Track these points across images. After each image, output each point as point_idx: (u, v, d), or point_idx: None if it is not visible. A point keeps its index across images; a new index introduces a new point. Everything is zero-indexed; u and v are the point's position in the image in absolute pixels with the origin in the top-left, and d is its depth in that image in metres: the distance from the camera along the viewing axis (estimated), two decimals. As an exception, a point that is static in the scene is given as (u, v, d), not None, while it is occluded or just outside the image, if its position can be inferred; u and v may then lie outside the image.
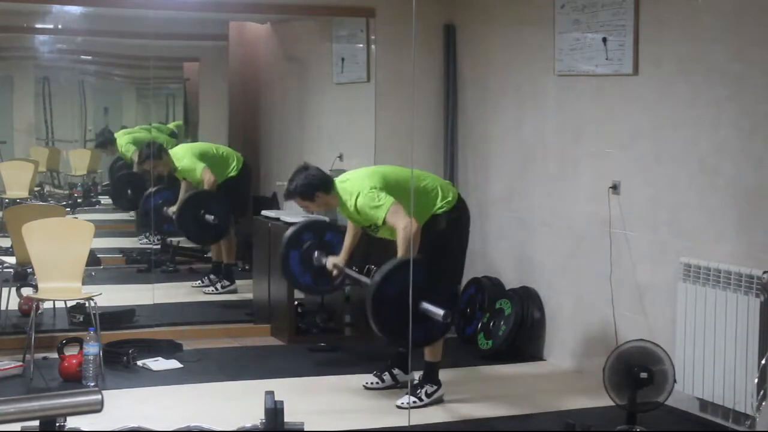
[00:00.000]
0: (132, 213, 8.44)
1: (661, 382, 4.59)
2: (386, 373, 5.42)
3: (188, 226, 7.40)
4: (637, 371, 4.55)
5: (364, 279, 5.19)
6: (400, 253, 4.86)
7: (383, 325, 4.69)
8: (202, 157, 7.55)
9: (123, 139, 8.17)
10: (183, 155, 7.54)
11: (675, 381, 4.65)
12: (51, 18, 7.90)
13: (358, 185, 5.06)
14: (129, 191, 8.01)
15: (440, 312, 4.59)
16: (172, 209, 7.58)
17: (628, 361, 4.60)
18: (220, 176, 7.62)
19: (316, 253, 5.63)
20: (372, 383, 5.43)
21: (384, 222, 4.95)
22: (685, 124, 5.10)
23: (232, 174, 7.65)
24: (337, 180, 5.19)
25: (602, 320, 5.64)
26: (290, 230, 5.73)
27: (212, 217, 7.32)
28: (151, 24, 7.32)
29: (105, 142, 8.29)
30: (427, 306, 4.63)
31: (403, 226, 4.86)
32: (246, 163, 7.77)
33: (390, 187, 5.04)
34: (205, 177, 7.47)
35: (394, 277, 4.64)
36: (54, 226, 5.94)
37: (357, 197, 5.02)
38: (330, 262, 5.47)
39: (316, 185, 5.15)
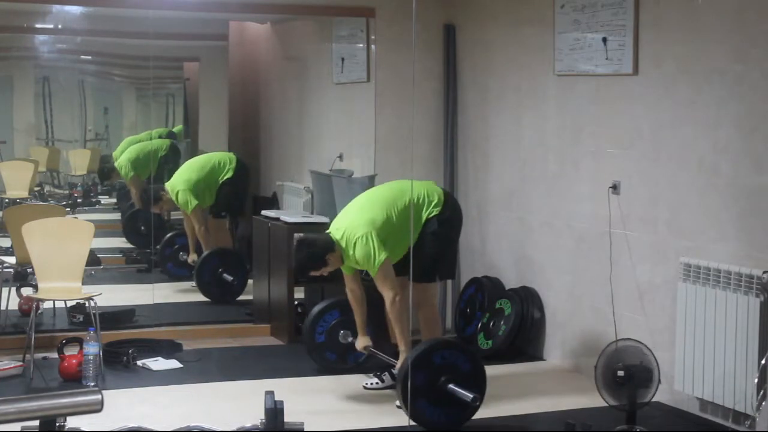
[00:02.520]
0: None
1: (644, 381, 4.60)
2: (386, 373, 5.42)
3: (206, 284, 7.45)
4: (615, 370, 4.58)
5: (393, 361, 5.25)
6: (397, 330, 5.13)
7: (420, 413, 4.70)
8: (196, 187, 7.59)
9: (122, 160, 8.18)
10: (177, 186, 7.59)
11: (660, 381, 4.65)
12: (51, 18, 7.90)
13: (352, 233, 5.11)
14: (142, 227, 8.03)
15: (469, 395, 4.65)
16: (192, 258, 7.70)
17: (612, 361, 4.63)
18: (215, 182, 7.65)
19: (341, 332, 5.70)
20: (372, 384, 5.43)
21: (375, 276, 5.12)
22: (685, 124, 5.09)
23: (228, 176, 7.67)
24: (332, 233, 5.20)
25: (602, 320, 5.64)
26: (318, 306, 5.81)
27: (231, 277, 7.40)
28: (151, 24, 7.31)
29: (109, 172, 8.32)
30: (455, 388, 4.69)
31: (390, 300, 5.08)
32: (241, 162, 7.78)
33: (380, 229, 5.12)
34: (194, 218, 7.57)
35: (422, 365, 4.68)
36: (54, 226, 5.94)
37: (355, 246, 5.09)
38: (360, 344, 5.49)
39: (322, 250, 5.15)
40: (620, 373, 4.59)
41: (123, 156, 8.18)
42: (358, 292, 5.39)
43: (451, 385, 4.69)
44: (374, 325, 5.64)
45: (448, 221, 5.31)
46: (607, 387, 4.65)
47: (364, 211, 5.21)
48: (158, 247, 7.86)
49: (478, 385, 4.77)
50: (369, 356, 5.59)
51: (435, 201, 5.28)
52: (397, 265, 5.18)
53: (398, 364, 5.09)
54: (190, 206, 7.52)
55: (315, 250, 5.15)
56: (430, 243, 5.24)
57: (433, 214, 5.25)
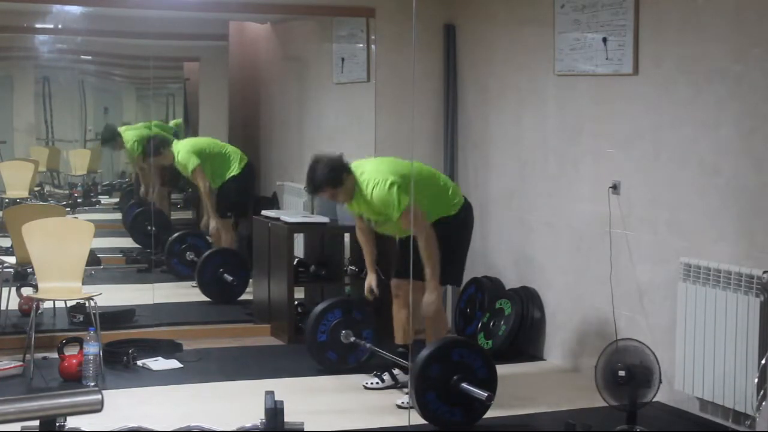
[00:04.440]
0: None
1: (645, 381, 4.60)
2: (386, 373, 5.42)
3: (208, 285, 7.45)
4: (616, 370, 4.57)
5: (398, 360, 5.26)
6: (428, 267, 5.04)
7: (426, 406, 4.69)
8: (200, 153, 7.59)
9: (128, 135, 8.18)
10: (181, 148, 7.60)
11: (661, 381, 4.65)
12: (51, 18, 7.89)
13: (374, 177, 5.06)
14: (149, 227, 8.05)
15: (483, 394, 4.63)
16: (204, 223, 7.76)
17: (612, 361, 4.63)
18: (221, 176, 7.65)
19: (343, 332, 5.71)
20: (372, 383, 5.43)
21: (397, 220, 5.02)
22: (685, 123, 5.09)
23: (235, 173, 7.67)
24: (352, 165, 5.17)
25: (602, 320, 5.64)
26: (320, 306, 5.80)
27: (231, 277, 7.41)
28: (151, 24, 7.32)
29: (110, 137, 8.26)
30: (469, 387, 4.67)
31: (425, 237, 5.02)
32: (250, 163, 7.79)
33: (405, 185, 5.06)
34: (198, 178, 7.55)
35: (434, 362, 4.67)
36: (54, 226, 5.94)
37: (373, 188, 5.03)
38: (368, 282, 5.47)
39: (340, 168, 5.10)
40: (621, 373, 4.58)
41: (129, 135, 8.17)
42: (366, 230, 5.35)
43: (464, 384, 4.67)
44: (378, 326, 5.65)
45: (462, 225, 5.29)
46: (608, 387, 4.64)
47: (391, 166, 5.15)
48: (166, 243, 7.86)
49: (491, 389, 4.76)
50: (371, 356, 5.59)
51: (456, 201, 5.28)
52: (400, 267, 5.19)
53: (426, 297, 5.05)
54: (191, 166, 7.49)
55: (336, 165, 5.06)
56: (441, 245, 5.17)
57: (452, 213, 5.23)
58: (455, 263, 5.36)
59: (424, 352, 4.73)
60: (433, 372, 4.65)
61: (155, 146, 7.67)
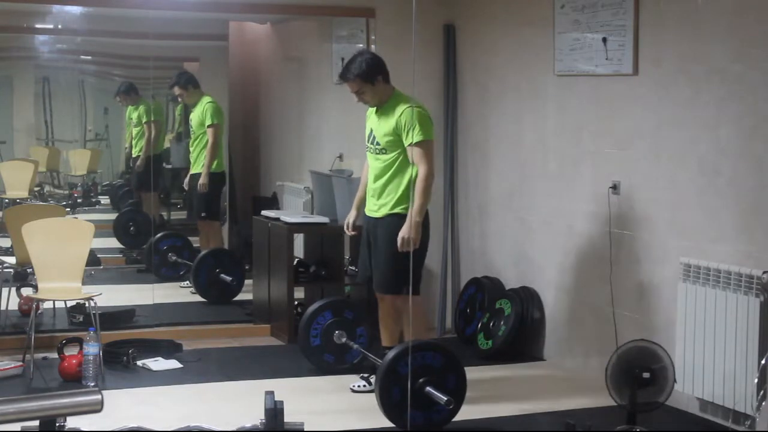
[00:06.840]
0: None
1: (661, 381, 4.59)
2: (372, 375, 5.40)
3: (205, 285, 7.43)
4: (638, 371, 4.55)
5: (377, 360, 5.21)
6: (416, 201, 4.98)
7: (388, 403, 4.65)
8: (221, 120, 7.63)
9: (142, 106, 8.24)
10: (209, 101, 7.62)
11: (675, 381, 4.64)
12: (51, 18, 7.90)
13: (417, 103, 5.11)
14: (132, 228, 8.02)
15: (444, 397, 4.59)
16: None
17: (630, 362, 4.60)
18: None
19: (336, 332, 5.70)
20: (359, 386, 5.41)
21: (411, 143, 5.01)
22: (685, 124, 5.09)
23: (214, 169, 7.61)
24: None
25: (602, 320, 5.64)
26: (310, 309, 5.79)
27: (230, 278, 7.39)
28: (151, 24, 7.31)
29: (129, 89, 8.22)
30: (431, 390, 4.63)
31: (425, 172, 5.00)
32: (223, 172, 7.76)
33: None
34: (210, 134, 7.54)
35: (402, 362, 4.62)
36: (54, 226, 5.94)
37: (409, 107, 5.02)
38: (345, 222, 5.45)
39: (379, 67, 5.11)
40: (646, 375, 4.55)
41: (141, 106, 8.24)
42: (367, 168, 5.36)
43: (428, 388, 4.63)
44: (371, 324, 5.64)
45: (425, 227, 5.14)
46: (623, 387, 4.58)
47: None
48: (145, 247, 7.84)
49: (457, 378, 4.71)
50: (365, 356, 5.58)
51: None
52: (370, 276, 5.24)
53: (402, 231, 4.98)
54: (214, 120, 7.53)
55: (376, 62, 5.11)
56: (384, 250, 5.15)
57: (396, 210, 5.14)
58: (393, 269, 5.12)
59: (379, 372, 4.67)
60: (394, 396, 4.59)
61: (184, 81, 7.68)
